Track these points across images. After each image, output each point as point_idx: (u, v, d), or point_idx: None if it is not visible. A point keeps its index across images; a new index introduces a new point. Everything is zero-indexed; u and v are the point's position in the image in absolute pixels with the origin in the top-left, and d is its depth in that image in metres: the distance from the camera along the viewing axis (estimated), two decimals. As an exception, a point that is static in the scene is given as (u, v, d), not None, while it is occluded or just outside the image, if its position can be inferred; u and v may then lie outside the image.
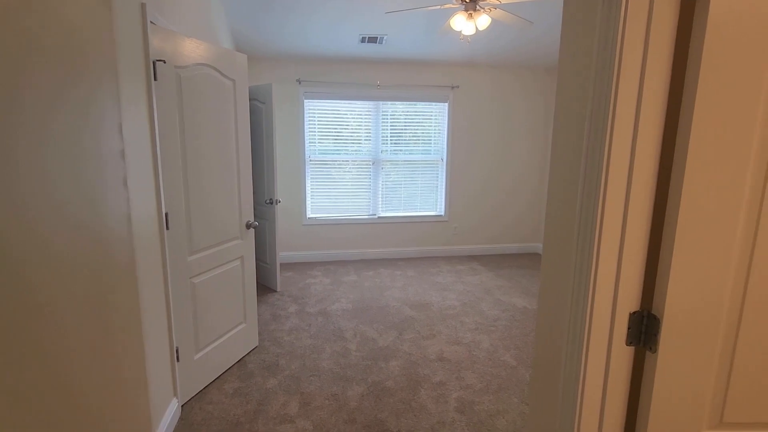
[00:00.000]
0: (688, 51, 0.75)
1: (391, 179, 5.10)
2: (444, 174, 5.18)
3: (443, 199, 5.24)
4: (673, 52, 0.76)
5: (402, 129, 5.02)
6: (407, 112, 4.99)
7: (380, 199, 5.12)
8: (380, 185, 5.08)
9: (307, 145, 4.85)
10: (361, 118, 4.90)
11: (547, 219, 1.03)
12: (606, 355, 0.86)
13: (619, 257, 0.83)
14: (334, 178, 4.98)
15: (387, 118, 4.95)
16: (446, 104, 5.03)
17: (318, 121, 4.84)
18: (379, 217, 5.13)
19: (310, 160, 4.89)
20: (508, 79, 5.11)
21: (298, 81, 4.68)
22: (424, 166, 5.15)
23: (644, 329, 0.85)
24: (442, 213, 5.26)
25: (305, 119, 4.80)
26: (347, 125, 4.89)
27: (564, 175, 0.96)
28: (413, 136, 5.07)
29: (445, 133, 5.10)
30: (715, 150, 0.75)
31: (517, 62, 4.91)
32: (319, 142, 4.88)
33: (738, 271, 0.80)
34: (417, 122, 5.04)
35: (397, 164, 5.08)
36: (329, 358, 2.74)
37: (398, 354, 2.81)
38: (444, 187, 5.21)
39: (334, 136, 4.90)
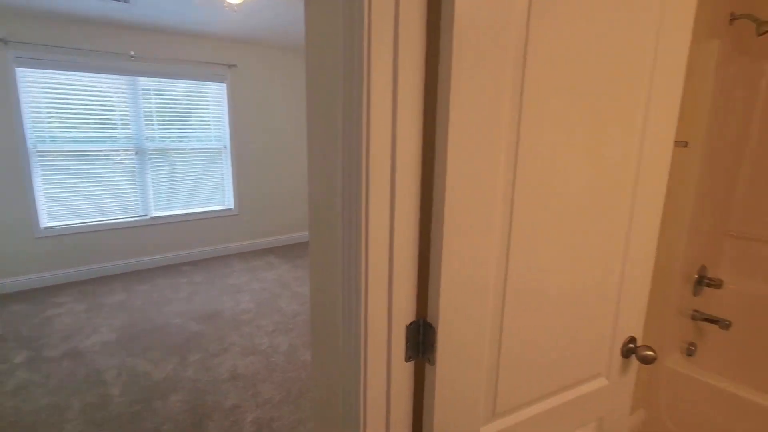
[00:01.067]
0: (439, 45, 0.64)
1: (164, 172, 4.28)
2: (229, 163, 4.66)
3: (231, 191, 4.73)
4: (425, 44, 0.64)
5: (172, 112, 4.24)
6: (176, 91, 4.23)
7: (151, 196, 4.25)
8: (149, 180, 4.21)
9: (29, 130, 3.59)
10: (114, 97, 3.91)
11: (310, 229, 0.84)
12: (386, 376, 0.73)
13: (390, 265, 0.69)
14: (82, 174, 3.86)
15: (150, 98, 4.10)
16: (224, 85, 4.49)
17: (46, 98, 3.62)
18: (152, 218, 4.27)
19: (38, 151, 3.65)
20: (294, 61, 4.90)
21: (3, 41, 3.38)
22: (206, 155, 4.51)
23: (422, 339, 0.75)
24: (232, 206, 4.76)
25: (20, 95, 3.52)
26: (93, 105, 3.83)
27: (322, 175, 0.77)
28: (186, 122, 4.35)
29: (226, 117, 4.57)
30: (471, 153, 0.67)
31: (300, 43, 4.73)
32: (51, 127, 3.67)
33: (498, 269, 0.76)
34: (191, 105, 4.35)
35: (168, 154, 4.29)
36: (77, 418, 2.05)
37: (180, 384, 2.33)
38: (231, 177, 4.69)
39: (74, 118, 3.77)
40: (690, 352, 2.13)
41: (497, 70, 0.67)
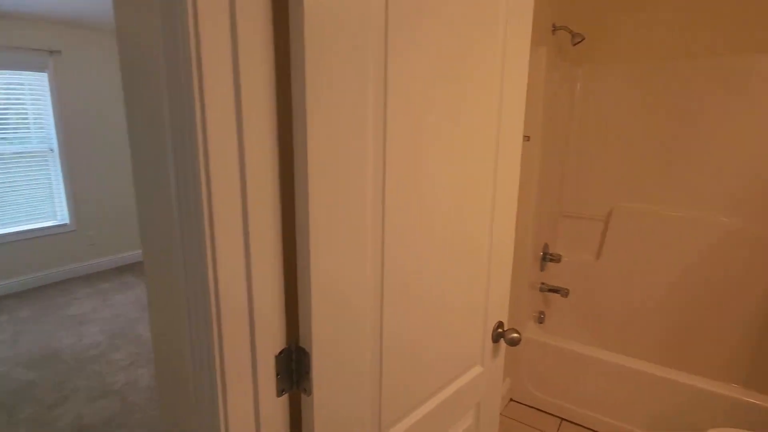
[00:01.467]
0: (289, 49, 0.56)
1: (-40, 184, 3.35)
2: (59, 169, 3.86)
3: (65, 203, 3.93)
4: (272, 44, 0.55)
5: (-35, 107, 3.33)
6: (-29, 81, 3.34)
7: (-59, 215, 3.29)
8: (-64, 195, 3.25)
9: None
10: None
11: (144, 257, 0.68)
12: (254, 419, 0.63)
13: (249, 291, 0.59)
14: None
15: (-73, 89, 3.15)
16: (45, 74, 3.69)
17: None
18: (-55, 244, 3.31)
19: None
20: (133, 51, 4.25)
21: None
22: (28, 160, 3.66)
23: (295, 367, 0.67)
24: (67, 221, 3.96)
25: None
26: None
27: (151, 192, 0.63)
28: (1, 121, 3.47)
29: (51, 113, 3.77)
30: (335, 160, 0.61)
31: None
32: None
33: (374, 280, 0.72)
34: (7, 100, 3.47)
35: (-36, 160, 3.37)
36: None
37: (0, 454, 1.84)
38: (63, 186, 3.90)
39: None
40: (540, 319, 2.44)
41: (357, 70, 0.61)
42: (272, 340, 0.63)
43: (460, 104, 0.81)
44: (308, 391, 0.66)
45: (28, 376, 2.42)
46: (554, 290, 2.40)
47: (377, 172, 0.68)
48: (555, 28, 2.15)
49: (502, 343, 1.15)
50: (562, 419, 2.11)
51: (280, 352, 0.65)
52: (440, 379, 0.95)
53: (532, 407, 2.20)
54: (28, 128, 3.65)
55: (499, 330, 1.11)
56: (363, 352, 0.73)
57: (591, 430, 2.04)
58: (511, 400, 2.26)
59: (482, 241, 0.99)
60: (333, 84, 0.58)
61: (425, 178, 0.77)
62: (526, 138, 2.03)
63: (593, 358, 2.00)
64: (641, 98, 2.26)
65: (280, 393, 0.65)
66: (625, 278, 2.40)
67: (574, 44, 2.14)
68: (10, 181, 3.60)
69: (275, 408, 0.65)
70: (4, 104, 3.50)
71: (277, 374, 0.65)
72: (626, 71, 2.28)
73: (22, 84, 3.58)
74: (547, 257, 2.43)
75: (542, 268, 2.42)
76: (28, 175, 3.70)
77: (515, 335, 1.08)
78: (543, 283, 2.45)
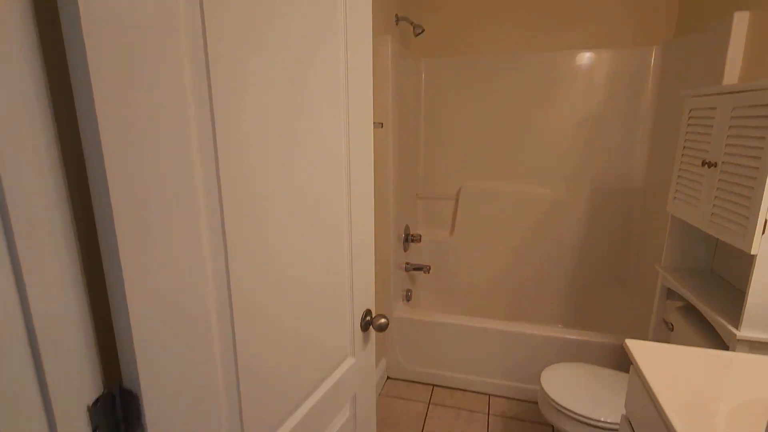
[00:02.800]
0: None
1: None
2: None
3: None
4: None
5: None
6: None
7: None
8: None
9: None
10: None
11: None
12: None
13: (30, 335, 0.43)
14: None
15: None
16: None
17: None
18: None
19: None
20: None
21: None
22: None
23: (122, 416, 0.53)
24: None
25: None
26: None
27: None
28: None
29: None
30: (147, 162, 0.48)
31: None
32: None
33: (219, 290, 0.61)
34: None
35: None
36: None
37: None
38: None
39: None
40: (408, 297, 2.57)
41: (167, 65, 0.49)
42: (80, 387, 0.48)
43: (302, 93, 0.75)
44: (142, 440, 0.53)
45: None
46: (418, 268, 2.55)
47: (210, 181, 0.58)
48: (398, 19, 2.22)
49: (372, 330, 1.14)
50: (434, 385, 2.27)
51: (97, 400, 0.50)
52: (312, 379, 0.89)
53: (406, 380, 2.31)
54: None
55: (368, 318, 1.10)
56: (213, 376, 0.62)
57: (458, 389, 2.23)
58: (388, 378, 2.34)
59: (341, 233, 0.95)
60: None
61: (274, 178, 0.69)
62: (379, 125, 2.07)
63: (453, 325, 2.18)
64: (471, 89, 2.51)
65: (100, 452, 0.51)
66: (473, 249, 2.67)
67: (416, 35, 2.25)
68: None
69: (96, 473, 0.51)
70: None
71: (95, 429, 0.50)
72: (457, 64, 2.50)
73: None
74: (409, 238, 2.55)
75: (405, 249, 2.54)
76: None
77: (383, 320, 1.08)
78: (407, 263, 2.57)
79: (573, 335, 2.03)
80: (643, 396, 0.94)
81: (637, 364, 0.95)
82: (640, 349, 1.00)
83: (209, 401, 0.62)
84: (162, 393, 0.54)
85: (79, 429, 0.49)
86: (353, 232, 1.00)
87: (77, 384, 0.48)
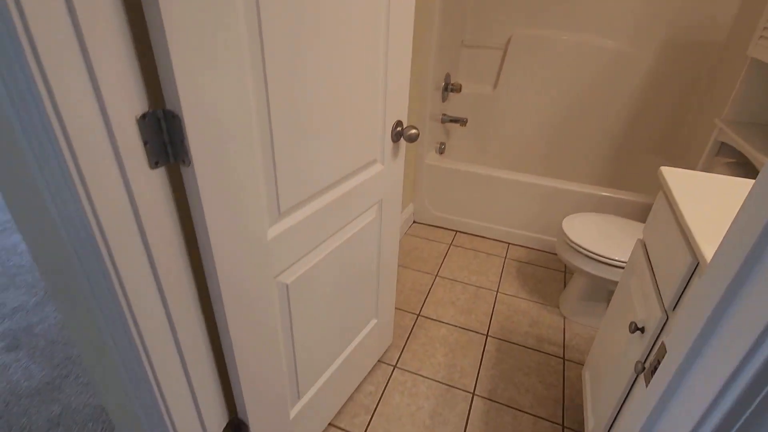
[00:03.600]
0: None
1: None
2: None
3: None
4: None
5: None
6: None
7: None
8: None
9: None
10: None
11: None
12: (126, 194, 0.56)
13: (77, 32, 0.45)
14: None
15: None
16: None
17: None
18: None
19: None
20: None
21: None
22: None
23: (168, 138, 0.58)
24: None
25: None
26: None
27: None
28: None
29: None
30: None
31: None
32: None
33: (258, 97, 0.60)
34: None
35: None
36: None
37: None
38: None
39: None
40: (441, 150, 2.56)
41: None
42: (127, 99, 0.52)
43: None
44: (187, 162, 0.59)
45: None
46: (454, 120, 2.48)
47: None
48: None
49: (402, 144, 1.16)
50: (457, 231, 2.40)
51: (143, 116, 0.55)
52: (340, 171, 0.94)
53: (431, 225, 2.44)
54: None
55: (398, 129, 1.10)
56: (249, 120, 0.66)
57: (479, 236, 2.36)
58: (414, 221, 2.48)
59: (378, 43, 0.90)
60: None
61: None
62: (429, -59, 1.81)
63: (483, 175, 2.20)
64: None
65: (153, 165, 0.57)
66: (516, 104, 2.54)
67: None
68: None
69: (151, 182, 0.58)
70: None
71: (145, 143, 0.56)
72: None
73: None
74: (449, 87, 2.43)
75: (444, 99, 2.44)
76: None
77: (413, 131, 1.08)
78: (444, 114, 2.50)
79: (606, 192, 2.02)
80: (664, 213, 0.94)
81: (666, 183, 0.94)
82: (673, 173, 0.98)
83: (245, 138, 0.67)
84: (203, 117, 0.58)
85: (132, 140, 0.54)
86: (390, 40, 0.95)
87: (125, 95, 0.52)
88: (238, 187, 0.68)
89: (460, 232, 2.39)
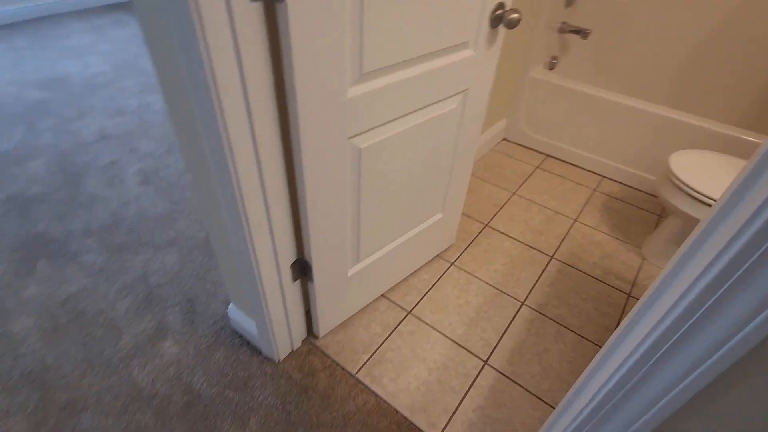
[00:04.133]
0: None
1: None
2: None
3: None
4: None
5: None
6: None
7: None
8: None
9: None
10: None
11: None
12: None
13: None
14: None
15: None
16: None
17: None
18: None
19: None
20: None
21: None
22: None
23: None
24: (32, -62, 3.43)
25: None
26: None
27: None
28: None
29: None
30: None
31: None
32: None
33: None
34: None
35: None
36: None
37: (38, 151, 2.07)
38: None
39: None
40: (552, 65, 2.33)
41: None
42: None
43: None
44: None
45: (41, 96, 2.52)
46: (575, 31, 2.21)
47: None
48: None
49: (500, 31, 1.09)
50: (547, 155, 2.27)
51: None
52: (431, 44, 0.92)
53: (521, 145, 2.34)
54: None
55: (498, 12, 1.03)
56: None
57: (570, 163, 2.21)
58: (504, 139, 2.39)
59: None
60: None
61: None
62: None
63: (598, 98, 1.99)
64: None
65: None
66: (656, 18, 2.17)
67: None
68: None
69: (250, 12, 0.64)
70: None
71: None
72: None
73: None
74: (576, -9, 2.14)
75: (568, 3, 2.16)
76: None
77: (515, 15, 1.01)
78: (564, 22, 2.24)
79: (734, 131, 1.73)
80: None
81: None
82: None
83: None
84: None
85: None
86: None
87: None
88: (326, 33, 0.72)
89: (551, 156, 2.25)
